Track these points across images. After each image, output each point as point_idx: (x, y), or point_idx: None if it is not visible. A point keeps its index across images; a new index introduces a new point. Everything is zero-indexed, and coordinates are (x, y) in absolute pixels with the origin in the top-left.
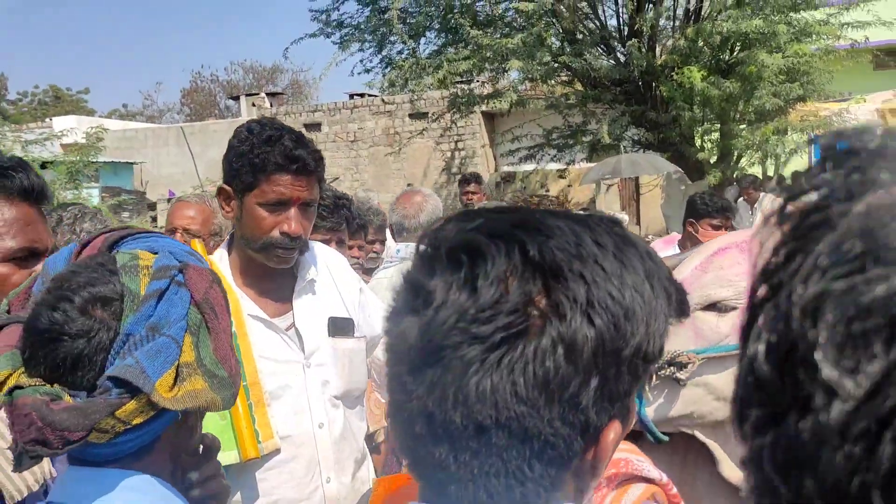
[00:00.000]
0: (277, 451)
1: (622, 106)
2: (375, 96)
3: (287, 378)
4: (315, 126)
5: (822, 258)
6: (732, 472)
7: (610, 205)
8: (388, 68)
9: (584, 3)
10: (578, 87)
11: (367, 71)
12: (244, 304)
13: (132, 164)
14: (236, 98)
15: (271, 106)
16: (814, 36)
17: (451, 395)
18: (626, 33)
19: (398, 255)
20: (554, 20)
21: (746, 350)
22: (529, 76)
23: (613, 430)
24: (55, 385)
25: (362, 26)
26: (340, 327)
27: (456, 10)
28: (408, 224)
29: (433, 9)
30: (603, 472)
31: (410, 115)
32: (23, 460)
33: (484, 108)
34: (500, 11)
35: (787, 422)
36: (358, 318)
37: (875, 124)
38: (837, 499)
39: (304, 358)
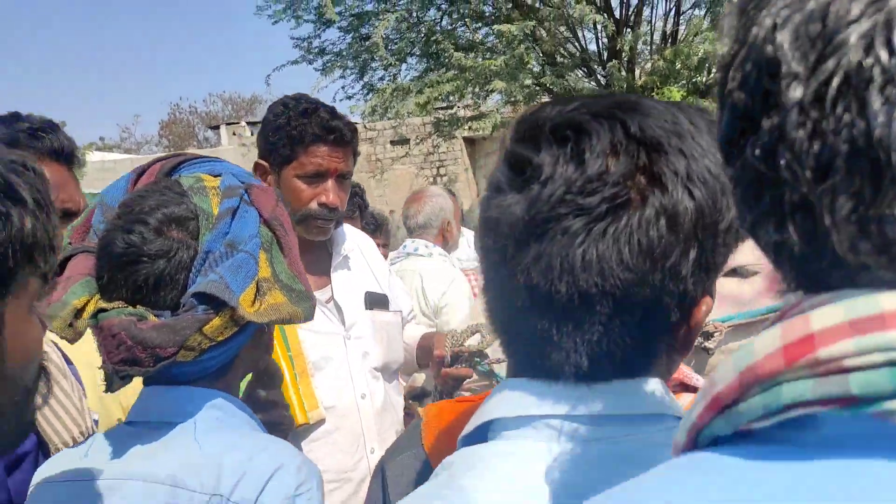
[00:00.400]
0: (322, 421)
1: None
2: (357, 123)
3: (329, 350)
4: None
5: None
6: None
7: None
8: (370, 94)
9: (563, 28)
10: None
11: (349, 97)
12: None
13: None
14: (216, 128)
15: (252, 134)
16: None
17: (557, 266)
18: (605, 56)
19: (404, 250)
20: (534, 44)
21: (725, 91)
22: (512, 98)
23: (705, 304)
24: (138, 307)
25: (344, 53)
26: (377, 301)
27: (437, 35)
28: (409, 223)
29: (414, 35)
30: (691, 350)
31: (392, 142)
32: (113, 381)
33: (466, 133)
34: (479, 37)
35: (762, 126)
36: (390, 294)
37: None
38: (801, 162)
39: (344, 330)
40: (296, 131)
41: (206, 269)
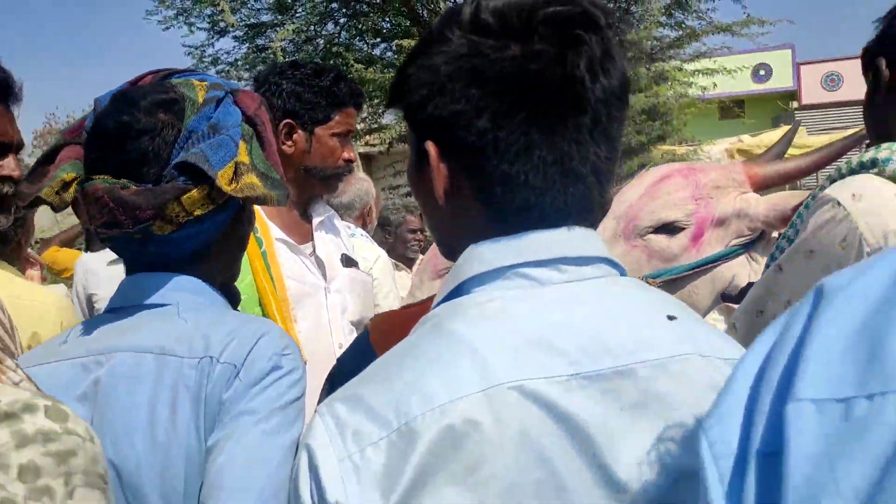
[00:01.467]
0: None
1: None
2: None
3: (311, 300)
4: None
5: None
6: None
7: None
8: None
9: None
10: None
11: None
12: (272, 230)
13: None
14: None
15: None
16: (670, 81)
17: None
18: None
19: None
20: None
21: None
22: None
23: None
24: (122, 179)
25: (239, 63)
26: (351, 263)
27: (336, 48)
28: (333, 201)
29: (312, 47)
30: None
31: None
32: (93, 242)
33: (362, 148)
34: (377, 53)
35: None
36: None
37: None
38: None
39: (325, 283)
40: (336, 94)
41: (189, 147)
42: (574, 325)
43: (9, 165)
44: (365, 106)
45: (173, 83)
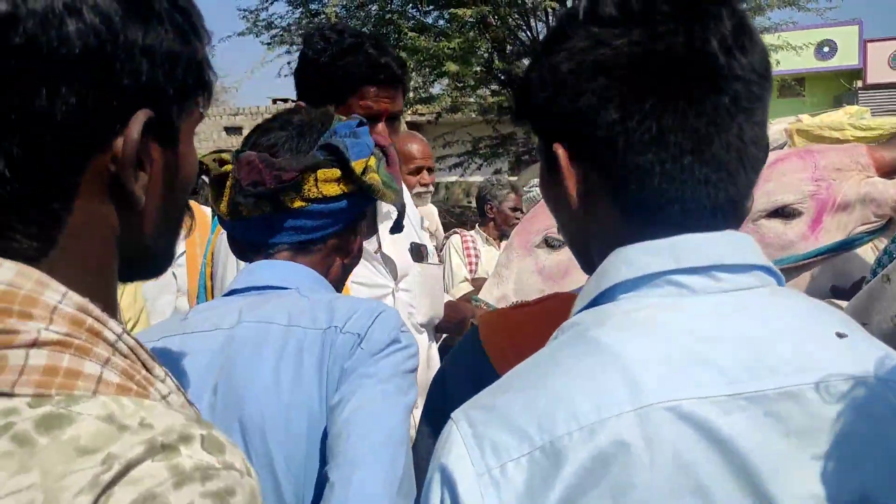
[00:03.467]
0: None
1: None
2: (299, 101)
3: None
4: (236, 130)
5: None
6: None
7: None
8: None
9: (515, 15)
10: (508, 96)
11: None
12: None
13: None
14: None
15: None
16: None
17: None
18: None
19: None
20: (485, 31)
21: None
22: (461, 83)
23: None
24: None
25: (291, 28)
26: (420, 252)
27: (389, 15)
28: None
29: (364, 13)
30: None
31: None
32: (238, 199)
33: (409, 116)
34: (430, 20)
35: None
36: (429, 246)
37: None
38: None
39: (394, 283)
40: (342, 71)
41: (336, 140)
42: (732, 339)
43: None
44: (414, 75)
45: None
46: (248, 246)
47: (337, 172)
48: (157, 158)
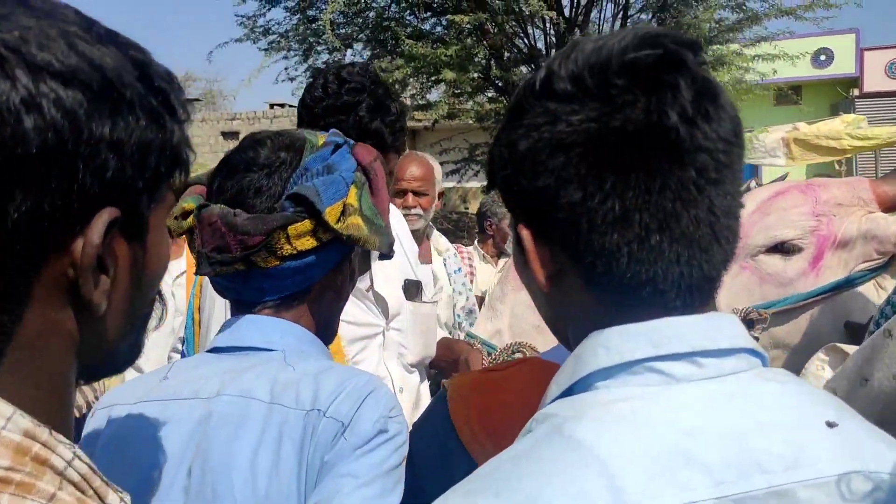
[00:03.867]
0: None
1: None
2: (296, 106)
3: (368, 343)
4: (233, 134)
5: None
6: None
7: None
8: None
9: (513, 22)
10: (505, 103)
11: (292, 79)
12: None
13: None
14: None
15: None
16: (727, 66)
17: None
18: (553, 53)
19: None
20: (482, 37)
21: None
22: (458, 90)
23: None
24: (237, 208)
25: (289, 34)
26: (415, 289)
27: (387, 22)
28: None
29: (361, 20)
30: None
31: None
32: (203, 265)
33: (408, 122)
34: (427, 27)
35: None
36: (423, 278)
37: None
38: None
39: (385, 322)
40: (330, 129)
41: (303, 182)
42: (717, 433)
43: None
44: (412, 81)
45: (300, 130)
46: (230, 300)
47: (309, 224)
48: (122, 256)
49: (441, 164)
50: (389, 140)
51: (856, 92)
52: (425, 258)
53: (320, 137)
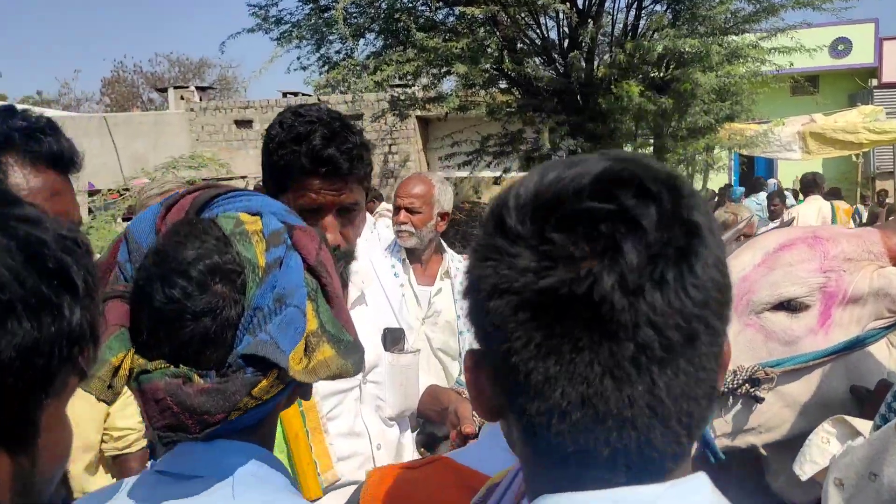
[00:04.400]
0: (336, 480)
1: (561, 116)
2: (309, 95)
3: (343, 398)
4: (246, 123)
5: None
6: (779, 482)
7: None
8: (326, 68)
9: (525, 13)
10: (517, 94)
11: (304, 69)
12: None
13: None
14: (163, 90)
15: (200, 100)
16: (743, 59)
17: None
18: (566, 45)
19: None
20: (494, 28)
21: None
22: (471, 82)
23: None
24: (181, 366)
25: (301, 24)
26: (395, 338)
27: (398, 13)
28: None
29: (373, 11)
30: None
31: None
32: (157, 449)
33: (419, 112)
34: (440, 17)
35: None
36: (407, 322)
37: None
38: None
39: (361, 376)
40: (283, 161)
41: (255, 328)
42: None
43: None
44: (425, 72)
45: (226, 233)
46: None
47: (273, 375)
48: (2, 468)
49: (453, 154)
50: (346, 167)
51: (874, 82)
52: (426, 280)
53: (255, 242)
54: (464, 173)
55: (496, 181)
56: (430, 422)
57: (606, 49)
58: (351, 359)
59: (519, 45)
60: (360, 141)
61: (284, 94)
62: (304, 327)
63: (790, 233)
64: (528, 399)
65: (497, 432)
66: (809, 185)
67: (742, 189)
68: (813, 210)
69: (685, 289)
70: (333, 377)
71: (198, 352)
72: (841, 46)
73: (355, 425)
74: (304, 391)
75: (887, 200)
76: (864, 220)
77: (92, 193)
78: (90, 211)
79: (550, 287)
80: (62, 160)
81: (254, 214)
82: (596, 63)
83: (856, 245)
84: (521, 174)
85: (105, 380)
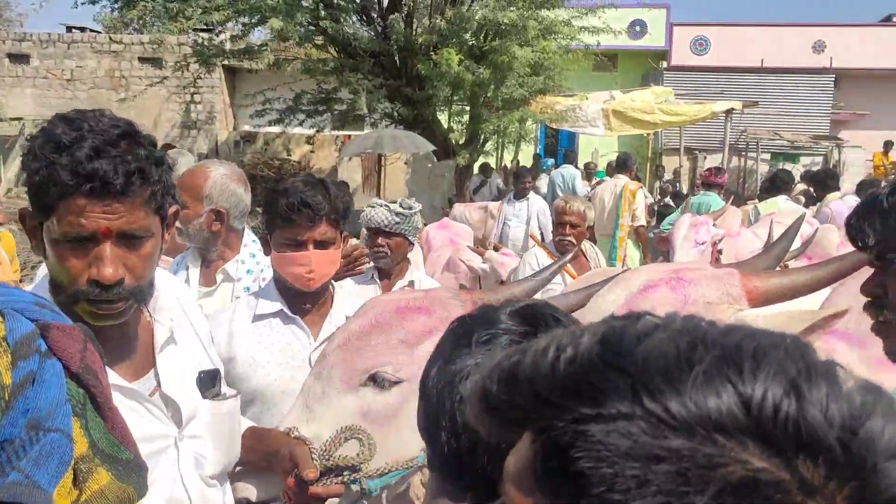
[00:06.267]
0: None
1: (379, 79)
2: (98, 32)
3: (157, 459)
4: (22, 58)
5: None
6: None
7: (351, 174)
8: (120, 4)
9: None
10: (333, 53)
11: (94, 2)
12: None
13: None
14: None
15: None
16: (556, 35)
17: None
18: (386, 6)
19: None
20: None
21: None
22: (286, 36)
23: None
24: None
25: None
26: (212, 380)
27: None
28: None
29: None
30: None
31: (140, 59)
32: None
33: (227, 62)
34: None
35: None
36: (220, 359)
37: None
38: None
39: (177, 430)
40: (39, 176)
41: (5, 466)
42: None
43: None
44: (231, 24)
45: None
46: None
47: None
48: None
49: (265, 111)
50: (119, 183)
51: (665, 64)
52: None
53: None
54: (276, 129)
55: (308, 140)
56: (251, 471)
57: (426, 13)
58: (132, 481)
59: (336, 1)
60: (146, 154)
61: (69, 29)
62: (70, 454)
63: (655, 272)
64: None
65: None
66: (621, 165)
67: (552, 161)
68: (609, 187)
69: None
70: None
71: None
72: (638, 28)
73: (175, 491)
74: None
75: (667, 177)
76: (656, 199)
77: None
78: None
79: None
80: None
81: None
82: (415, 27)
83: (716, 289)
84: (336, 133)
85: None
